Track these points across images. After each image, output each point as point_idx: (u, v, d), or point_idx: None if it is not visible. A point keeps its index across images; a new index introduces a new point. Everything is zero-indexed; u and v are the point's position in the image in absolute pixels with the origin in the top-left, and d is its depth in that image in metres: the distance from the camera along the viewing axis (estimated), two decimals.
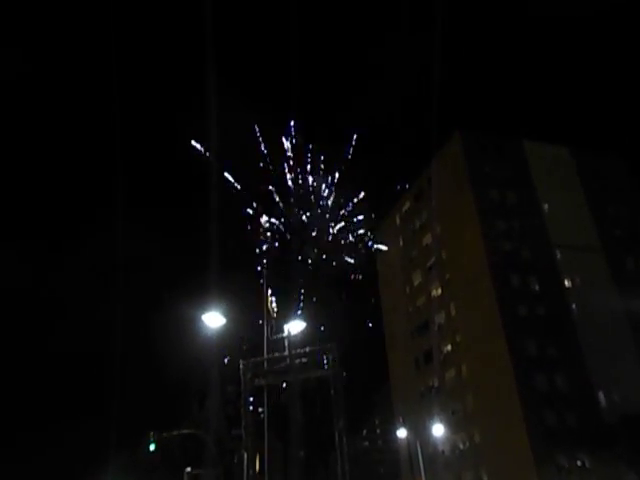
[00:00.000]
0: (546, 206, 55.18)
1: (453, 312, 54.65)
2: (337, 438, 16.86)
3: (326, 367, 17.61)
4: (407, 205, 66.57)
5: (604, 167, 59.93)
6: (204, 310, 16.94)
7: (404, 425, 43.62)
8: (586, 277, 52.30)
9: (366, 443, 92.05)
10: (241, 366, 18.53)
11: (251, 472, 16.55)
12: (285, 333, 17.59)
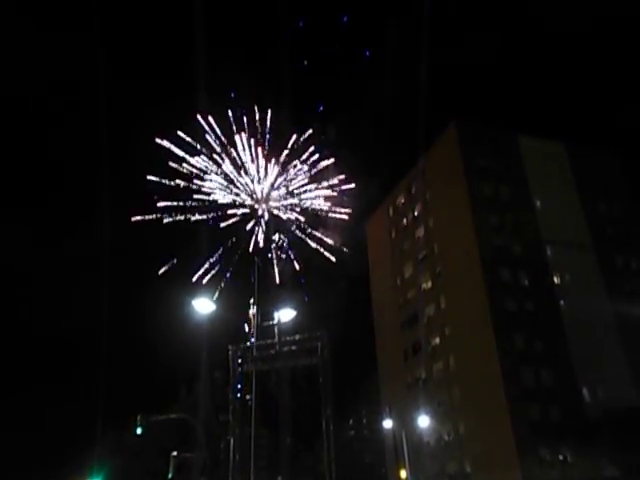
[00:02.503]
0: (538, 202, 55.35)
1: (443, 305, 54.90)
2: (324, 425, 16.95)
3: (316, 355, 17.67)
4: (400, 196, 66.54)
5: (598, 164, 60.12)
6: (194, 296, 16.86)
7: (390, 415, 43.79)
8: (576, 274, 52.66)
9: (352, 432, 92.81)
10: (230, 352, 18.49)
11: (237, 457, 16.61)
12: (275, 320, 17.58)
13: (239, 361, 17.92)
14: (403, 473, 39.15)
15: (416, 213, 62.24)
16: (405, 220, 64.69)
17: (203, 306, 16.59)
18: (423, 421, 48.01)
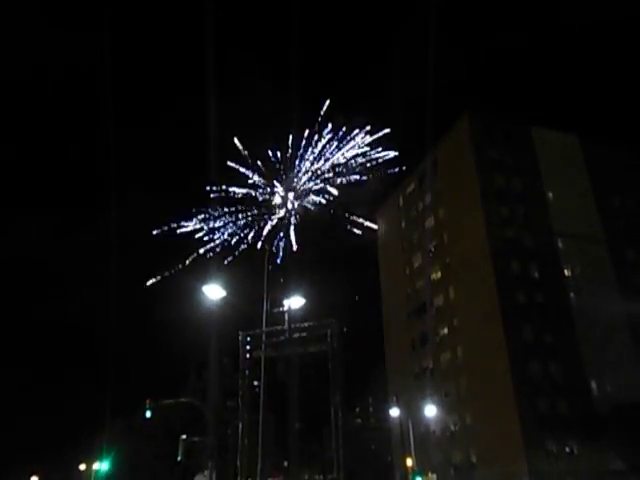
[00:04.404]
0: (550, 194, 54.89)
1: (452, 296, 54.80)
2: (333, 412, 17.05)
3: (326, 342, 17.79)
4: (411, 186, 66.25)
5: (611, 157, 59.34)
6: (205, 282, 16.94)
7: (397, 404, 44.00)
8: (587, 267, 52.27)
9: (359, 420, 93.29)
10: (240, 337, 18.67)
11: (246, 442, 16.81)
12: (285, 307, 17.69)
13: (248, 347, 18.06)
14: (409, 462, 39.47)
15: (427, 204, 61.95)
16: (415, 210, 64.45)
17: (214, 292, 16.68)
18: (430, 411, 48.18)
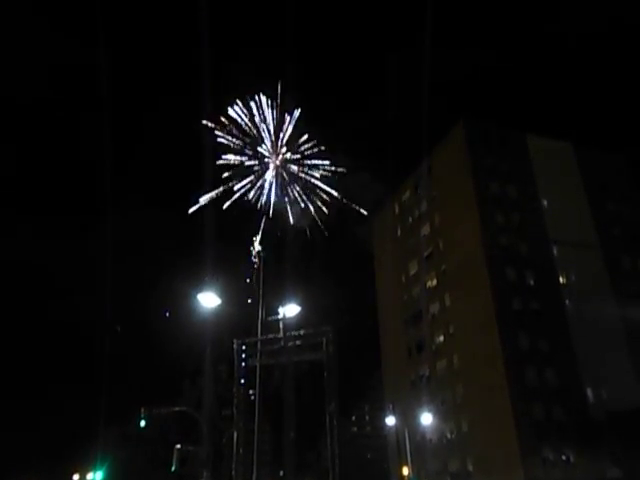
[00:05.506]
0: (545, 201, 55.07)
1: (447, 303, 54.77)
2: (328, 420, 16.92)
3: (321, 350, 17.68)
4: (407, 194, 66.36)
5: (606, 165, 59.73)
6: (199, 289, 16.86)
7: (393, 412, 43.85)
8: (582, 274, 52.39)
9: (355, 428, 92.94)
10: (235, 346, 18.55)
11: (241, 451, 16.67)
12: (280, 315, 17.59)
13: (243, 355, 17.99)
14: (405, 470, 39.23)
15: (422, 211, 62.04)
16: (411, 218, 64.50)
17: (208, 300, 16.59)
18: (426, 419, 48.01)
